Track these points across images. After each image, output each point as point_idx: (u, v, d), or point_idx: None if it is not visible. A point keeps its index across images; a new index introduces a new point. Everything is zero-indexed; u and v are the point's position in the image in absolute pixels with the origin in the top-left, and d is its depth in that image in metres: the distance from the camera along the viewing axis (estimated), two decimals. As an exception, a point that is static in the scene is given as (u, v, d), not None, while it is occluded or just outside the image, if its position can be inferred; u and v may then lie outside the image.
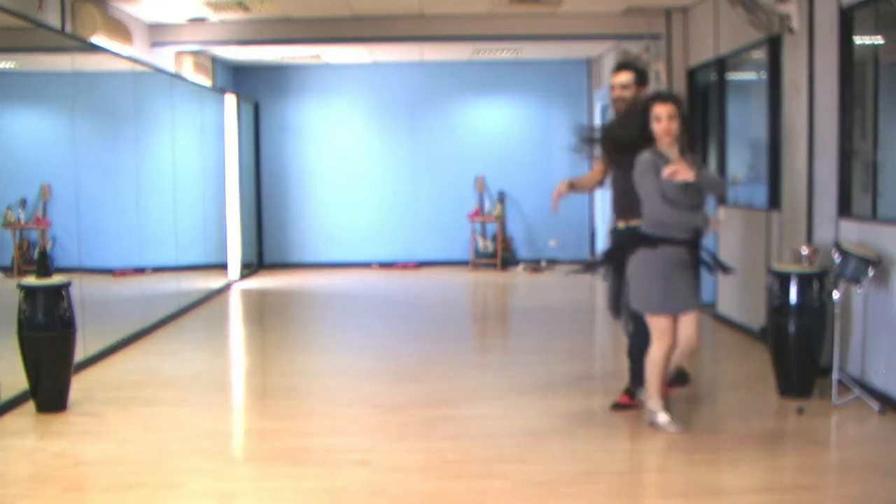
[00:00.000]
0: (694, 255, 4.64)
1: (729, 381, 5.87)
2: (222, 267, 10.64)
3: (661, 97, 4.65)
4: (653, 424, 4.68)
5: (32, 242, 6.52)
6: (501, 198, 12.16)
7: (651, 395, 4.70)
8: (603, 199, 11.41)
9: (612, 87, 5.08)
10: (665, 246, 4.54)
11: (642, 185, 4.57)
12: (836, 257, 5.04)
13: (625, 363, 5.20)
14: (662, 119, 4.53)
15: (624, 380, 5.21)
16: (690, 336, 4.65)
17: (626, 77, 5.05)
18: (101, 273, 7.16)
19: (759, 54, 7.06)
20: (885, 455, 4.30)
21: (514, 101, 12.40)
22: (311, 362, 6.67)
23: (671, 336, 4.61)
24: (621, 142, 4.80)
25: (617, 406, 5.06)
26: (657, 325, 4.61)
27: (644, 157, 4.55)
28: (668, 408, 4.72)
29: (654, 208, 4.55)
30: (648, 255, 4.58)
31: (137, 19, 8.64)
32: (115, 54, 7.36)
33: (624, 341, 5.26)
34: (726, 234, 7.72)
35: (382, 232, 12.44)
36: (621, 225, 5.09)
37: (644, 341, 4.79)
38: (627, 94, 5.03)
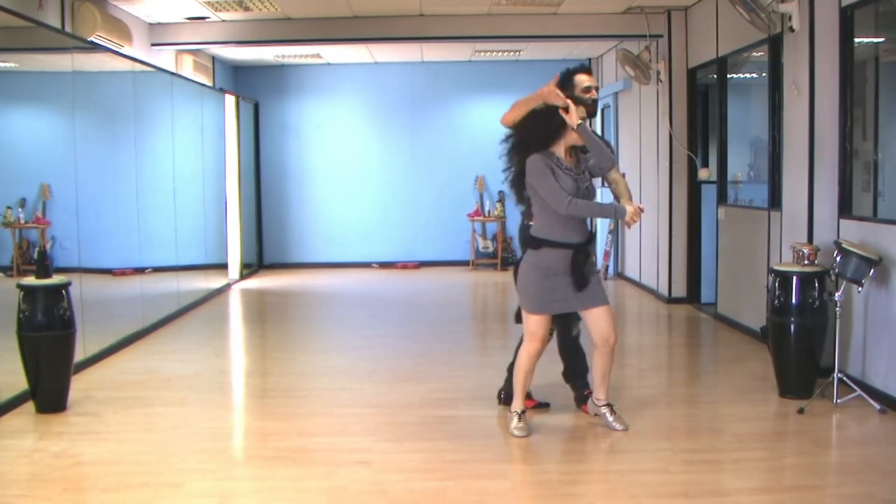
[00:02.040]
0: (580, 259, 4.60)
1: (729, 381, 5.86)
2: (222, 267, 10.64)
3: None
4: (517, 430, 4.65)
5: (32, 242, 6.50)
6: (501, 198, 12.15)
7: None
8: (604, 199, 11.39)
9: (589, 89, 5.14)
10: (548, 249, 4.62)
11: (542, 186, 4.52)
12: (837, 257, 5.04)
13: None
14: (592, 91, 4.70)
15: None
16: (604, 331, 4.63)
17: (593, 80, 5.24)
18: (101, 273, 7.16)
19: (760, 54, 7.06)
20: (885, 455, 4.30)
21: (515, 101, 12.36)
22: (311, 362, 6.67)
23: (543, 339, 4.79)
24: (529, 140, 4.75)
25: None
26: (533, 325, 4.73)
27: (536, 158, 4.54)
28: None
29: (548, 211, 4.57)
30: (534, 257, 4.67)
31: (137, 19, 8.64)
32: (115, 53, 7.36)
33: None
34: (727, 233, 7.72)
35: (382, 232, 12.43)
36: None
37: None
38: (595, 95, 5.16)
